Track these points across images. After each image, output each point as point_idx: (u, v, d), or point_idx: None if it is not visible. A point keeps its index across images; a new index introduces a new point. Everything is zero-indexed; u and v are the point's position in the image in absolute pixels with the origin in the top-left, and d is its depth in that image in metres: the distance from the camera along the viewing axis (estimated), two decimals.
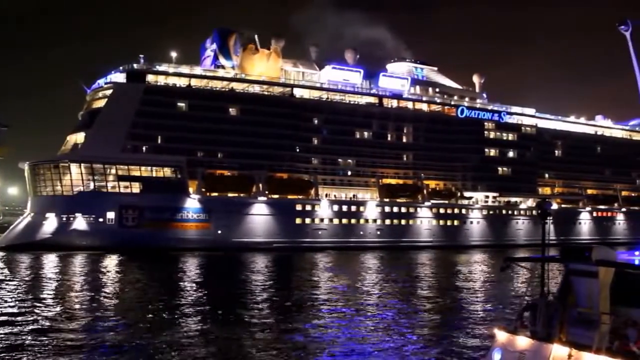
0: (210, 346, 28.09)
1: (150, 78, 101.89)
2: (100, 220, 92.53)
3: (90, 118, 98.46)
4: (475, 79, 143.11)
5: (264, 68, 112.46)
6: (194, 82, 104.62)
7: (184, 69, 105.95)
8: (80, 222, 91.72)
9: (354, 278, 59.16)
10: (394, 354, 26.89)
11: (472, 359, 25.72)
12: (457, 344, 29.02)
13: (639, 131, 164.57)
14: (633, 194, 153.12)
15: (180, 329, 31.90)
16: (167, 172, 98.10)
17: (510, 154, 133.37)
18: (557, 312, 14.54)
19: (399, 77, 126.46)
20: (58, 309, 37.89)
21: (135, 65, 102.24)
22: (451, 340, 29.80)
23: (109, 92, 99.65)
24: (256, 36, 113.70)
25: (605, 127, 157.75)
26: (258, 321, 34.46)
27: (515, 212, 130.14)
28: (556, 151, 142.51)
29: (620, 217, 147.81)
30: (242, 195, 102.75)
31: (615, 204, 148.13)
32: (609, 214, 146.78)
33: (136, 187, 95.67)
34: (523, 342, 14.44)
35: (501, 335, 15.09)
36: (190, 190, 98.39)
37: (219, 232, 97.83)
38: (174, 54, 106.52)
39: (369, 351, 27.27)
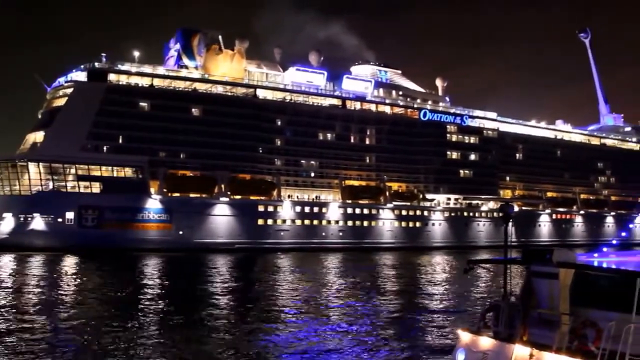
0: (168, 348, 27.73)
1: (112, 77, 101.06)
2: (59, 220, 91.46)
3: (50, 117, 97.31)
4: (438, 82, 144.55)
5: (227, 69, 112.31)
6: (157, 82, 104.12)
7: (147, 69, 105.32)
8: (38, 223, 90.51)
9: (317, 279, 59.00)
10: (357, 355, 26.75)
11: (437, 359, 25.83)
12: (420, 344, 29.02)
13: (597, 136, 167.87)
14: (591, 197, 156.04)
15: (139, 331, 31.31)
16: (128, 172, 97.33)
17: (472, 156, 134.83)
18: (519, 313, 14.73)
19: (362, 80, 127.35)
20: (8, 312, 36.91)
21: (96, 64, 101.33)
22: (415, 340, 29.81)
23: (69, 90, 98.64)
24: (220, 37, 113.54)
25: (565, 131, 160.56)
26: (219, 322, 34.16)
27: (477, 214, 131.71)
28: (517, 154, 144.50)
29: (578, 219, 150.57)
30: (204, 195, 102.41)
31: (574, 207, 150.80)
32: (568, 216, 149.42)
33: (96, 187, 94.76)
34: (486, 342, 14.69)
35: (464, 336, 15.32)
36: (152, 190, 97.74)
37: (181, 232, 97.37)
38: (136, 54, 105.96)
39: (332, 353, 27.06)
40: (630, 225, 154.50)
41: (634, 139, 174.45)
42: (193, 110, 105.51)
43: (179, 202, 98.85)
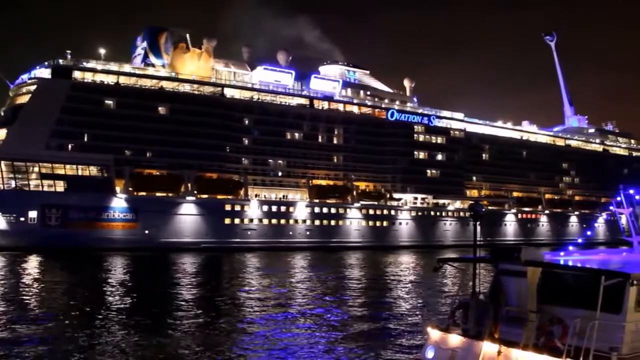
0: (133, 348, 27.42)
1: (77, 74, 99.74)
2: (22, 219, 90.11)
3: (13, 114, 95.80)
4: (406, 83, 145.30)
5: (194, 67, 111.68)
6: (123, 80, 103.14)
7: (113, 67, 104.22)
8: (0, 222, 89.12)
9: (284, 279, 58.90)
10: (326, 354, 26.68)
11: (406, 357, 25.74)
12: (390, 342, 29.08)
13: (562, 137, 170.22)
14: (556, 197, 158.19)
15: (103, 332, 30.83)
16: (93, 170, 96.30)
17: (439, 156, 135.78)
18: (487, 311, 14.90)
19: (330, 79, 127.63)
20: None
21: (61, 61, 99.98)
22: (384, 338, 29.87)
23: (33, 87, 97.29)
24: (187, 35, 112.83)
25: (530, 132, 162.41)
26: (185, 322, 33.89)
27: (444, 214, 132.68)
28: (484, 155, 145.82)
29: (543, 219, 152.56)
30: (170, 194, 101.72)
31: (539, 207, 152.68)
32: (533, 215, 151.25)
33: (60, 186, 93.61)
34: (455, 339, 14.86)
35: (434, 334, 15.50)
36: (117, 189, 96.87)
37: (147, 232, 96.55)
38: (102, 51, 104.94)
39: (300, 352, 26.94)
40: (595, 224, 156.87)
41: (597, 141, 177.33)
42: (160, 108, 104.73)
43: (145, 201, 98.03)
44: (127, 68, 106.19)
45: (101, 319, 34.50)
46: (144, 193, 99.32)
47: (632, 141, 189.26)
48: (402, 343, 28.81)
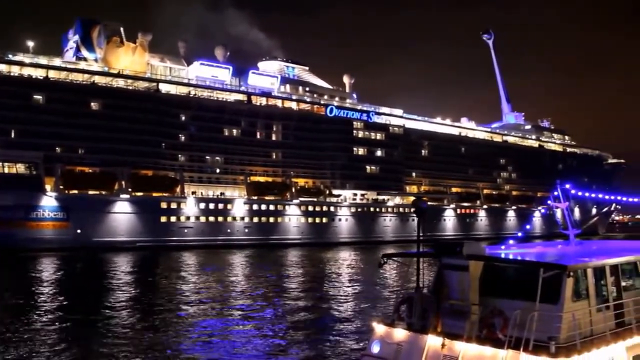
0: (66, 352, 26.45)
1: (2, 68, 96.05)
2: None
3: None
4: (346, 79, 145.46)
5: (129, 62, 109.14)
6: (53, 74, 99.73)
7: (42, 60, 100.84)
8: None
9: (222, 277, 58.03)
10: (269, 353, 26.34)
11: (352, 352, 25.73)
12: (336, 338, 29.08)
13: (499, 133, 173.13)
14: (494, 192, 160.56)
15: (35, 334, 29.76)
16: (20, 168, 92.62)
17: (379, 153, 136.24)
18: (431, 305, 15.18)
19: (268, 75, 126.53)
20: None
21: None
22: (330, 335, 29.81)
23: None
24: (121, 29, 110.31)
25: (469, 128, 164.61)
26: (119, 323, 33.04)
27: (383, 210, 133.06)
28: (423, 151, 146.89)
29: (482, 213, 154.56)
30: (103, 192, 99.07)
31: (478, 202, 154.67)
32: (472, 210, 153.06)
33: None
34: (400, 333, 15.14)
35: (379, 328, 15.65)
36: (47, 187, 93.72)
37: (79, 231, 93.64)
38: (31, 44, 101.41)
39: (241, 353, 26.49)
40: (533, 218, 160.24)
41: (534, 137, 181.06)
42: (92, 104, 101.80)
43: (77, 199, 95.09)
44: (57, 62, 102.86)
45: (28, 323, 33.19)
46: (75, 191, 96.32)
47: (567, 137, 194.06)
48: (347, 339, 28.90)
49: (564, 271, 14.13)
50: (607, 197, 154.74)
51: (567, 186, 21.34)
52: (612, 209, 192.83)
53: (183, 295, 45.01)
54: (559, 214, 22.03)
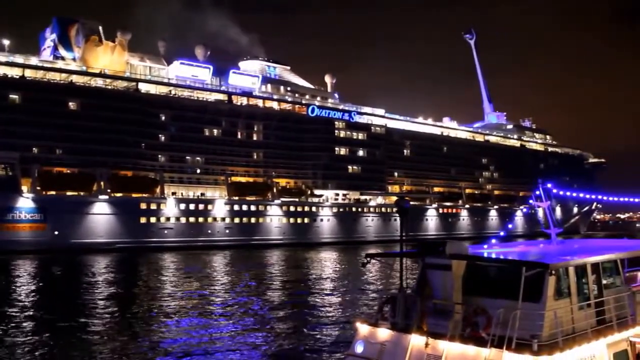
0: (46, 355, 25.96)
1: None
2: None
3: None
4: (327, 79, 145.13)
5: (108, 61, 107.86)
6: (30, 73, 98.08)
7: (18, 59, 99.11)
8: None
9: (203, 278, 57.47)
10: (254, 354, 26.12)
11: (336, 352, 25.68)
12: (320, 339, 29.03)
13: (481, 133, 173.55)
14: (476, 192, 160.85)
15: (8, 337, 29.19)
16: None
17: (360, 152, 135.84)
18: (415, 304, 15.18)
19: (249, 75, 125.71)
20: None
21: None
22: (314, 335, 29.73)
23: None
24: (100, 27, 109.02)
25: (451, 128, 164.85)
26: (99, 326, 32.48)
27: (365, 210, 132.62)
28: (405, 150, 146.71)
29: (464, 213, 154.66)
30: (82, 193, 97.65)
31: (460, 201, 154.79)
32: (454, 210, 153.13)
33: None
34: (384, 333, 15.21)
35: (363, 328, 15.74)
36: (24, 188, 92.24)
37: (56, 233, 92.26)
38: (6, 42, 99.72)
39: (224, 353, 26.24)
40: (515, 218, 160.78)
41: (515, 136, 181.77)
42: (70, 104, 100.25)
43: (55, 200, 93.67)
44: (34, 61, 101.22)
45: (9, 324, 32.72)
46: (53, 192, 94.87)
47: (548, 137, 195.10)
48: (331, 339, 28.92)
49: (546, 270, 14.29)
50: (588, 196, 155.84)
51: (549, 185, 21.69)
52: (593, 208, 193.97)
53: (163, 297, 44.44)
54: (540, 213, 22.16)
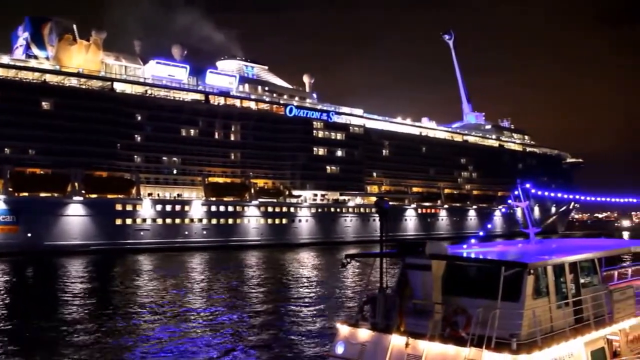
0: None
1: None
2: None
3: None
4: (306, 79, 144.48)
5: (82, 60, 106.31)
6: (2, 72, 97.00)
7: None
8: None
9: (180, 280, 56.66)
10: (233, 356, 25.75)
11: (317, 353, 25.56)
12: (300, 340, 28.82)
13: (460, 133, 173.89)
14: (455, 192, 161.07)
15: None
16: None
17: (339, 153, 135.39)
18: (395, 304, 15.18)
19: (226, 75, 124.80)
20: None
21: None
22: (294, 336, 29.51)
23: None
24: (74, 26, 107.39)
25: (429, 128, 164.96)
26: (73, 329, 31.60)
27: (344, 210, 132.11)
28: (383, 151, 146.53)
29: (443, 213, 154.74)
30: (56, 195, 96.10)
31: (439, 201, 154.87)
32: (433, 210, 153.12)
33: None
34: (364, 334, 15.19)
35: (343, 329, 15.73)
36: None
37: (29, 235, 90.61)
38: None
39: (201, 356, 25.73)
40: (494, 218, 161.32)
41: (494, 136, 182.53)
42: (43, 103, 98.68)
43: (27, 202, 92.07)
44: (6, 59, 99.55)
45: None
46: (26, 194, 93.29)
47: (526, 137, 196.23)
48: (311, 340, 28.64)
49: (524, 269, 14.36)
50: (566, 196, 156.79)
51: (528, 185, 21.60)
52: (571, 207, 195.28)
53: (138, 300, 43.66)
54: (519, 212, 21.84)
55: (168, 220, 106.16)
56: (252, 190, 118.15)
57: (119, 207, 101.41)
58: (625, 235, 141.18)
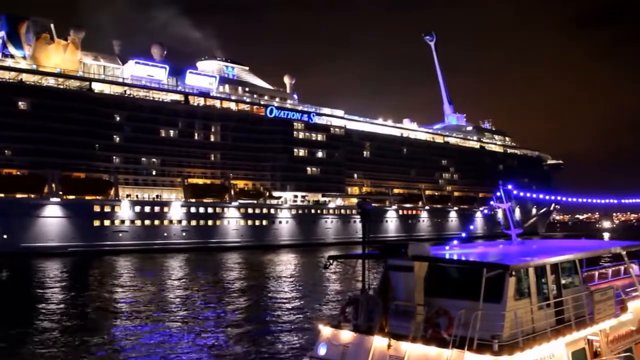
0: None
1: None
2: None
3: None
4: (287, 80, 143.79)
5: (60, 60, 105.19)
6: None
7: None
8: None
9: (159, 282, 56.11)
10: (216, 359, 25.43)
11: (298, 355, 25.23)
12: (282, 342, 28.73)
13: (441, 134, 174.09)
14: (436, 193, 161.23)
15: None
16: None
17: (320, 154, 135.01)
18: (377, 306, 15.13)
19: (206, 75, 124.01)
20: None
21: None
22: (276, 338, 29.47)
23: None
24: (52, 25, 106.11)
25: (410, 129, 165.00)
26: (50, 334, 31.01)
27: (324, 212, 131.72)
28: (364, 152, 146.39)
29: (424, 214, 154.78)
30: (32, 196, 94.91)
31: (420, 203, 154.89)
32: (414, 212, 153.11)
33: None
34: (346, 335, 15.16)
35: (325, 330, 15.68)
36: None
37: (5, 236, 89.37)
38: None
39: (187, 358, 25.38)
40: (476, 219, 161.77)
41: (475, 138, 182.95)
42: (20, 103, 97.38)
43: (3, 203, 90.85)
44: None
45: None
46: (1, 195, 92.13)
47: (507, 139, 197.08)
48: (293, 342, 28.63)
49: (506, 271, 14.39)
50: (547, 197, 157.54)
51: (509, 187, 21.80)
52: (552, 209, 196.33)
53: (117, 302, 43.16)
54: (500, 214, 21.65)
55: (147, 222, 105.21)
56: (232, 192, 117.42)
57: (97, 208, 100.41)
58: (606, 236, 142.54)
